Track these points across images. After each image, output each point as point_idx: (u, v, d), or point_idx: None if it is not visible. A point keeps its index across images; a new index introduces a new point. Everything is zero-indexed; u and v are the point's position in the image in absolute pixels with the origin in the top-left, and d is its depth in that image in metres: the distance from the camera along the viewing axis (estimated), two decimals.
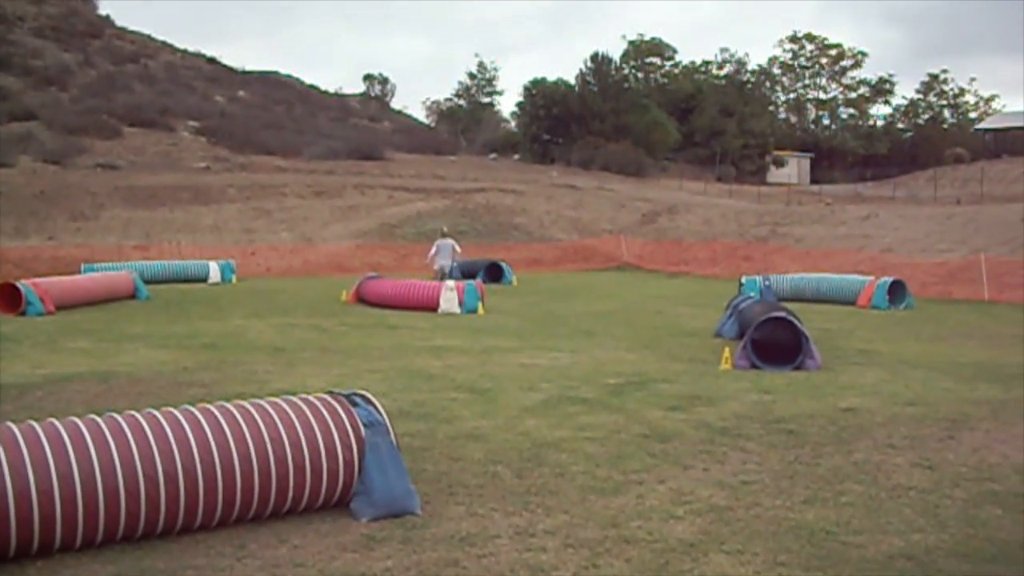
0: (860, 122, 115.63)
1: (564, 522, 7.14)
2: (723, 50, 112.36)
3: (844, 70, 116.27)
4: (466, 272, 34.64)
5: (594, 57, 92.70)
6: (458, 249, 30.43)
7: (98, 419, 6.68)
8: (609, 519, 7.21)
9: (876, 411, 11.32)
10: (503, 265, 36.73)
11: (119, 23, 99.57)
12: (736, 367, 14.64)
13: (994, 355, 16.93)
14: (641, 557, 6.44)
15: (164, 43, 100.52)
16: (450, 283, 24.42)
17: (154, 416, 6.81)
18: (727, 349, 15.33)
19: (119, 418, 6.72)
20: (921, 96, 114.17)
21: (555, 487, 8.04)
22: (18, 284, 22.97)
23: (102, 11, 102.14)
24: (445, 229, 34.29)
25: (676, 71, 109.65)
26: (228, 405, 7.16)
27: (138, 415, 6.80)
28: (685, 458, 9.04)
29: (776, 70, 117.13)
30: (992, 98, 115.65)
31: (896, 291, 26.50)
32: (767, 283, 27.91)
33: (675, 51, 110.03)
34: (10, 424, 6.50)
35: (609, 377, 13.74)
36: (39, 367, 14.37)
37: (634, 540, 6.75)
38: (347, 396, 7.51)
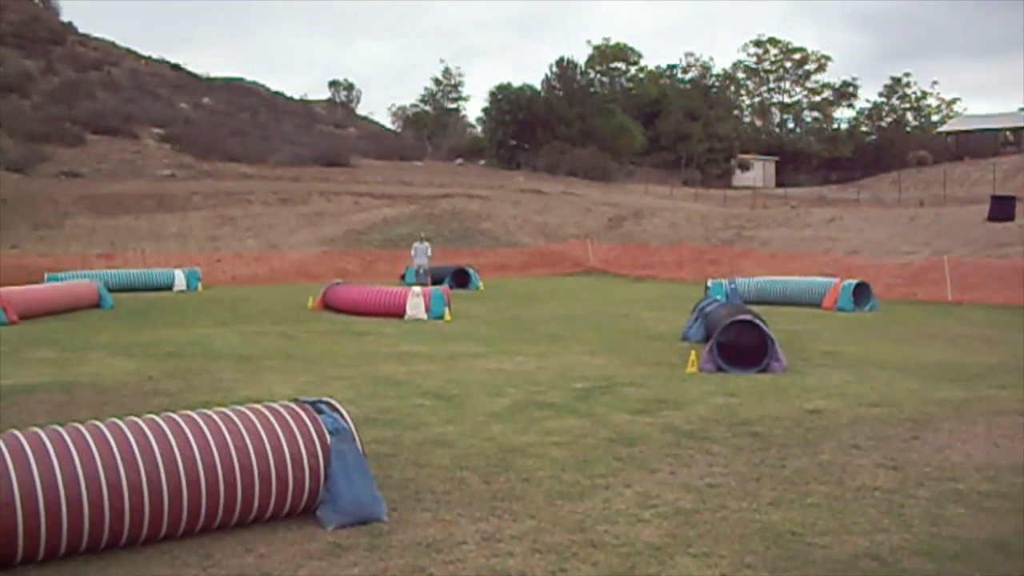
0: (824, 125, 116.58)
1: (531, 527, 7.14)
2: (688, 54, 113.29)
3: (808, 74, 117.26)
4: (433, 278, 34.66)
5: (559, 62, 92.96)
6: (429, 253, 35.13)
7: (61, 430, 6.63)
8: (576, 524, 7.22)
9: (841, 412, 11.38)
10: (470, 271, 36.73)
11: (82, 30, 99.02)
12: (702, 370, 14.69)
13: (958, 355, 17.08)
14: (608, 561, 6.45)
15: (128, 50, 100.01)
16: (416, 289, 24.39)
17: (118, 426, 6.77)
18: (693, 352, 15.40)
19: (82, 428, 6.67)
20: (884, 99, 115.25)
21: (522, 492, 8.04)
22: None
23: (64, 17, 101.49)
24: (423, 234, 39.21)
25: (641, 76, 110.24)
26: (193, 414, 7.12)
27: (102, 425, 6.75)
28: (651, 462, 9.07)
29: (741, 74, 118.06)
30: (954, 101, 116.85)
31: (861, 293, 26.66)
32: (733, 286, 28.02)
33: (640, 56, 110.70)
34: None
35: (576, 381, 13.76)
36: (2, 378, 14.23)
37: (601, 544, 6.77)
38: (312, 404, 7.49)
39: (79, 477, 6.29)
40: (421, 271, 35.02)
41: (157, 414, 7.19)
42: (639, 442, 9.86)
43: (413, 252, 35.88)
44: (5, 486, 6.06)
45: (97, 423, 6.82)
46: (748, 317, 15.32)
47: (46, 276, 32.37)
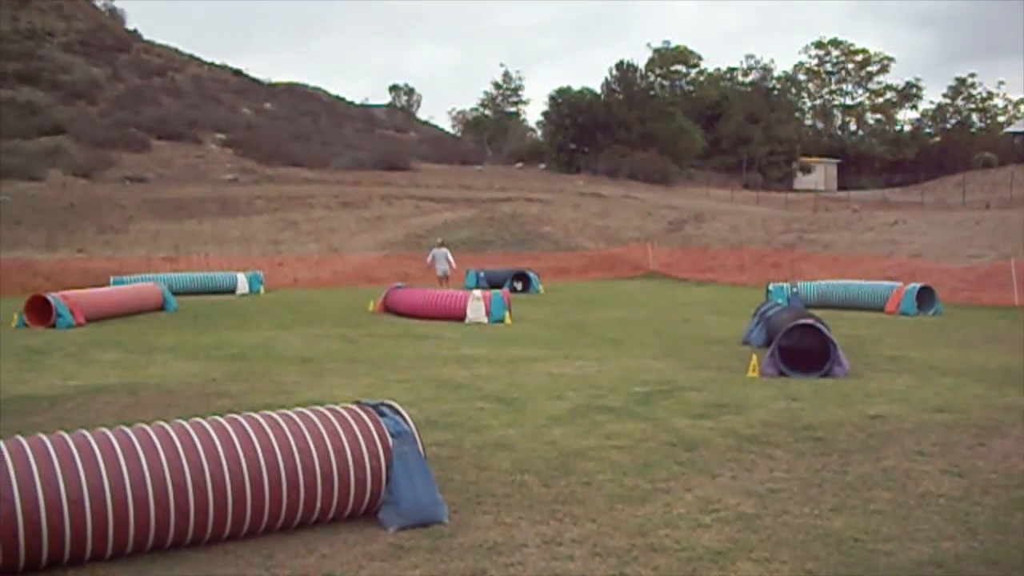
0: (887, 127, 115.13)
1: (592, 531, 7.14)
2: (749, 57, 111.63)
3: (871, 75, 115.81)
4: (493, 282, 34.72)
5: (619, 65, 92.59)
6: (450, 258, 35.22)
7: (128, 430, 6.73)
8: (637, 528, 7.20)
9: (905, 418, 11.26)
10: (530, 274, 36.75)
11: (147, 37, 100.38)
12: (764, 375, 14.60)
13: None
14: (669, 566, 6.42)
15: (191, 56, 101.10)
16: (477, 292, 24.44)
17: (183, 427, 6.85)
18: (754, 357, 15.28)
19: (148, 429, 6.76)
20: (949, 100, 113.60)
21: (582, 496, 8.03)
22: (48, 297, 23.14)
23: (130, 25, 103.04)
24: (440, 240, 39.69)
25: (702, 78, 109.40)
26: (256, 416, 7.19)
27: (167, 426, 6.84)
28: (713, 466, 9.02)
29: (802, 76, 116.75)
30: (1021, 101, 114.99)
31: (924, 297, 26.37)
32: (795, 290, 27.83)
33: (700, 58, 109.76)
34: (41, 436, 6.55)
35: (636, 385, 13.73)
36: (70, 379, 14.47)
37: (662, 549, 6.75)
38: (375, 406, 7.54)
39: (145, 476, 6.38)
40: (444, 277, 34.68)
41: (221, 415, 7.27)
42: (700, 446, 9.82)
43: (431, 259, 35.36)
44: (74, 484, 6.15)
45: (163, 424, 6.92)
46: (810, 321, 15.19)
47: (111, 279, 32.83)
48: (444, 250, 35.36)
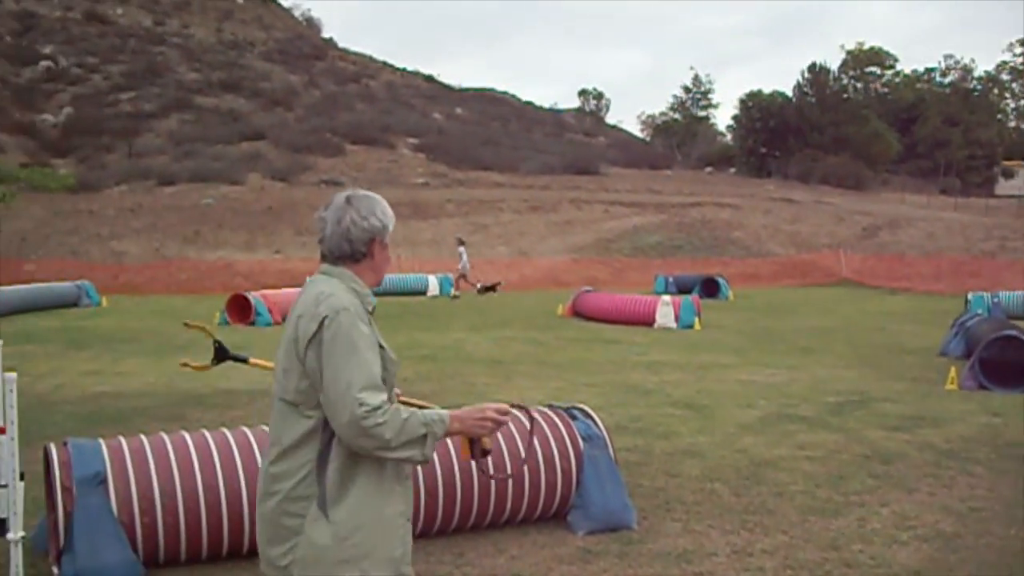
0: None
1: (783, 542, 7.03)
2: (947, 57, 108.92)
3: None
4: (682, 287, 34.51)
5: (811, 68, 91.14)
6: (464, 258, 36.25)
7: None
8: (829, 541, 7.06)
9: None
10: (719, 280, 36.35)
11: (341, 45, 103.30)
12: (963, 387, 14.11)
13: None
14: None
15: (384, 63, 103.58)
16: (666, 298, 24.32)
17: None
18: (953, 368, 14.80)
19: None
20: None
21: (773, 506, 7.92)
22: (249, 296, 24.01)
23: (326, 34, 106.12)
24: (460, 236, 40.49)
25: (897, 80, 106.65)
26: None
27: None
28: (909, 481, 8.76)
29: (1005, 76, 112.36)
30: None
31: None
32: (996, 300, 26.83)
33: (896, 59, 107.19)
34: (244, 428, 6.80)
35: (828, 395, 13.45)
36: (267, 375, 14.95)
37: (856, 564, 6.59)
38: (566, 410, 7.58)
39: None
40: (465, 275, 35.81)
41: None
42: (895, 460, 9.55)
43: (465, 256, 36.47)
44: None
45: None
46: (1014, 333, 14.63)
47: (307, 280, 33.79)
48: (461, 248, 36.61)
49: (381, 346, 3.47)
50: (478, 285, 35.29)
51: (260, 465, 3.69)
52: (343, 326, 3.32)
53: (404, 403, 3.73)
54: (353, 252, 3.55)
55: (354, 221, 3.51)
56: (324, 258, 3.63)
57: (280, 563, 3.36)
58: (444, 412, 3.39)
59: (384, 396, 3.28)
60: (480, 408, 3.44)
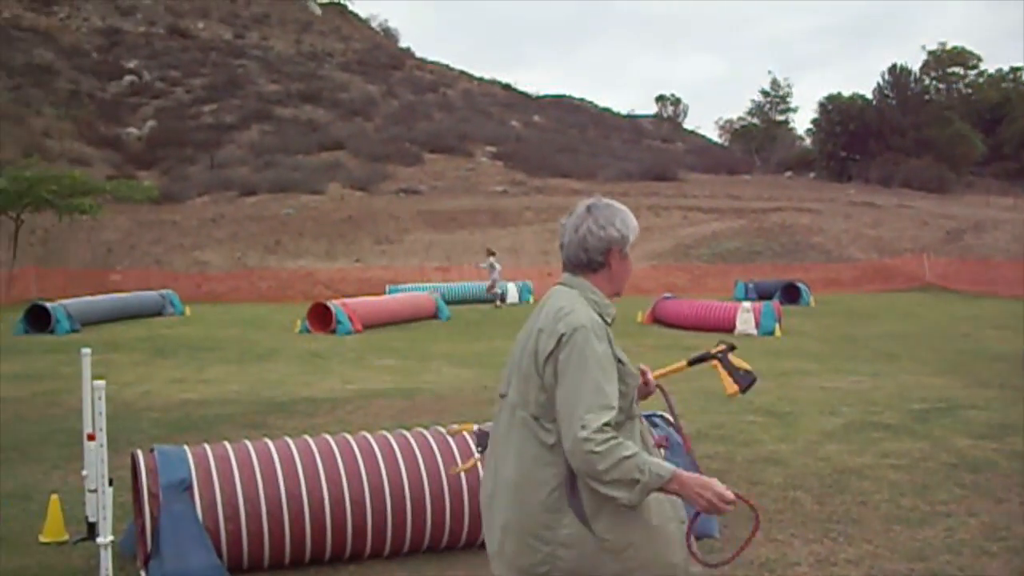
0: None
1: (867, 552, 6.88)
2: None
3: None
4: (763, 293, 34.21)
5: (892, 69, 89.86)
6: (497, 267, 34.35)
7: (406, 433, 6.95)
8: (915, 552, 6.89)
9: None
10: (800, 285, 35.96)
11: (419, 55, 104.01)
12: None
13: None
14: None
15: (461, 72, 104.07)
16: (746, 304, 24.12)
17: (440, 434, 7.03)
18: None
19: (425, 433, 6.96)
20: None
21: (857, 515, 7.76)
22: (329, 304, 24.21)
23: (403, 44, 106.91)
24: (490, 247, 38.18)
25: (981, 80, 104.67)
26: None
27: (442, 430, 7.03)
28: (998, 491, 8.52)
29: None
30: None
31: None
32: None
33: (980, 59, 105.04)
34: (326, 436, 6.85)
35: (913, 402, 13.20)
36: (349, 383, 15.07)
37: (944, 575, 6.44)
38: (647, 417, 7.50)
39: (422, 478, 6.57)
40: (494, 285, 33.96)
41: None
42: (984, 469, 9.32)
43: (493, 269, 34.03)
44: (355, 486, 6.40)
45: (438, 427, 7.10)
46: None
47: (387, 288, 34.00)
48: (491, 259, 34.47)
49: (620, 360, 3.50)
50: (497, 301, 33.91)
51: (483, 469, 3.69)
52: (577, 344, 3.36)
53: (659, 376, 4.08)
54: (590, 261, 3.58)
55: (591, 231, 3.55)
56: (564, 266, 3.64)
57: (538, 571, 3.32)
58: (669, 467, 3.32)
59: (609, 416, 3.24)
60: (706, 482, 3.33)
